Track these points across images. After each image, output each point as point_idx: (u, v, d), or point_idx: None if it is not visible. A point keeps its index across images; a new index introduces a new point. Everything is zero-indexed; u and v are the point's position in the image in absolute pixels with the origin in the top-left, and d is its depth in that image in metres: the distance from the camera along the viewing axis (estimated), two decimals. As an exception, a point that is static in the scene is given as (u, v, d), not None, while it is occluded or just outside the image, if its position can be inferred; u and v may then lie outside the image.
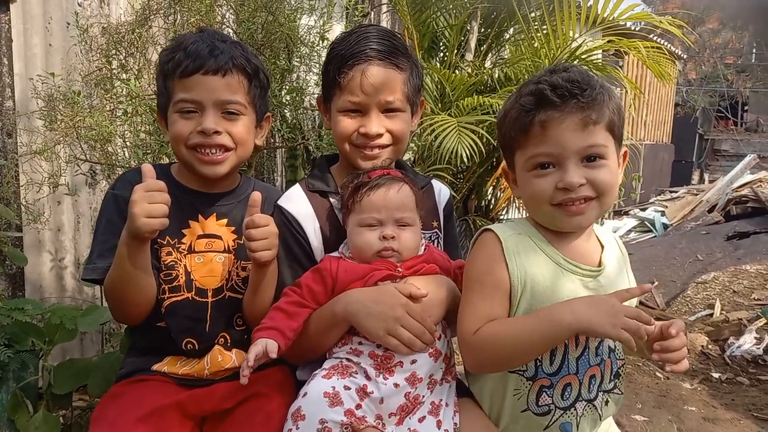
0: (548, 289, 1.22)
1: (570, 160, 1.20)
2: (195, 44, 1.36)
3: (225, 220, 1.47)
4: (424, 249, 1.41)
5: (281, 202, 1.48)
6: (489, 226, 1.29)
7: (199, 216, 1.45)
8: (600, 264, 1.30)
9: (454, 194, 3.57)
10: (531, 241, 1.26)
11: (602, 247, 1.33)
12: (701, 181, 13.88)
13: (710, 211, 7.42)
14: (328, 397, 1.19)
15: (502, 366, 1.24)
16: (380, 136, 1.43)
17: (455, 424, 1.28)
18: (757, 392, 3.35)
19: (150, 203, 1.20)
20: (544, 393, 1.26)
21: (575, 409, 1.27)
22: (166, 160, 2.42)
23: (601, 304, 1.13)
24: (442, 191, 1.65)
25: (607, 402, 1.32)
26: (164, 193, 1.23)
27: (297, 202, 1.47)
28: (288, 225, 1.43)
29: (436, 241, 1.56)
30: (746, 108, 18.58)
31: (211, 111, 1.36)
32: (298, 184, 1.53)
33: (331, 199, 1.48)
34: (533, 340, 1.16)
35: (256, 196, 1.31)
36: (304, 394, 1.22)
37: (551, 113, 1.19)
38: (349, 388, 1.21)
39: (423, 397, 1.24)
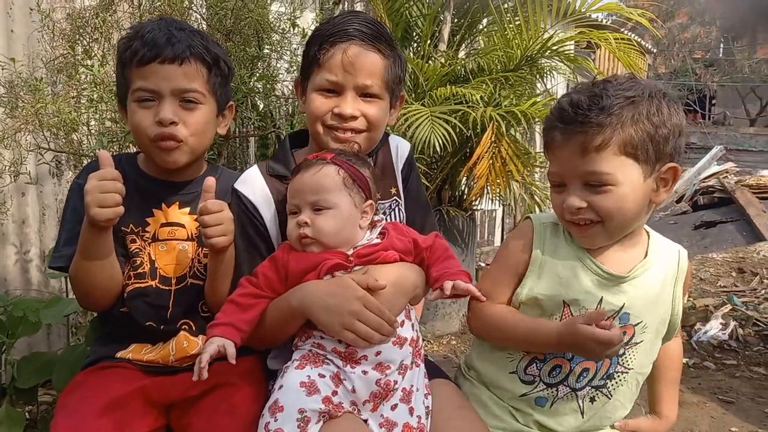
0: (566, 279, 1.28)
1: (572, 184, 1.23)
2: (152, 32, 1.35)
3: (188, 209, 1.46)
4: (381, 233, 1.34)
5: (237, 185, 1.42)
6: (530, 214, 1.37)
7: (162, 204, 1.45)
8: (629, 273, 1.28)
9: (428, 184, 3.58)
10: (564, 234, 1.32)
11: (645, 258, 1.31)
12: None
13: (678, 201, 7.57)
14: (305, 386, 1.17)
15: (497, 342, 1.37)
16: (354, 118, 1.37)
17: (427, 407, 1.28)
18: (722, 376, 3.44)
19: (102, 192, 1.19)
20: (534, 364, 1.31)
21: (556, 390, 1.30)
22: (132, 149, 2.37)
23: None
24: (400, 147, 1.56)
25: (592, 400, 1.31)
26: (117, 182, 1.21)
27: (253, 185, 1.42)
28: (245, 209, 1.39)
29: (396, 209, 1.50)
30: (714, 102, 19.01)
31: (169, 100, 1.34)
32: (256, 165, 1.48)
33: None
34: (522, 343, 1.31)
35: (210, 181, 1.29)
36: (280, 387, 1.20)
37: (556, 135, 1.23)
38: (323, 376, 1.20)
39: (395, 383, 1.23)
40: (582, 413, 1.32)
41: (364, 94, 1.39)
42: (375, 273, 1.26)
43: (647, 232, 1.36)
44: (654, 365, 1.38)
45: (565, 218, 1.26)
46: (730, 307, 4.23)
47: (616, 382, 1.32)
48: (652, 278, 1.30)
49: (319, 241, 1.28)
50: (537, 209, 3.90)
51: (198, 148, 1.42)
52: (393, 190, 1.52)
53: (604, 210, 1.21)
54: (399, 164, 1.55)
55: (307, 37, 1.49)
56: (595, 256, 1.29)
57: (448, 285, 1.23)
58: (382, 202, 1.48)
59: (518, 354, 1.33)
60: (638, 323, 1.28)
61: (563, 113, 1.22)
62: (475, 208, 4.09)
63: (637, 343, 1.30)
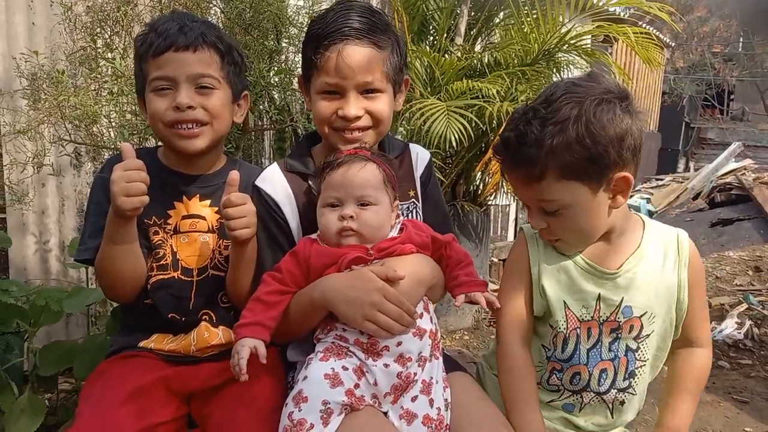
0: (564, 281, 1.31)
1: (531, 207, 1.29)
2: (165, 24, 1.39)
3: (208, 201, 1.48)
4: (400, 230, 1.37)
5: (259, 182, 1.45)
6: (523, 225, 1.42)
7: (183, 197, 1.47)
8: (620, 267, 1.29)
9: (443, 178, 3.57)
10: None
11: (637, 249, 1.31)
12: (687, 169, 14.00)
13: (695, 198, 7.49)
14: (329, 378, 1.19)
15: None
16: (359, 118, 1.37)
17: (446, 400, 1.30)
18: (737, 376, 3.41)
19: (128, 182, 1.22)
20: (555, 375, 1.34)
21: (581, 396, 1.33)
22: (152, 141, 2.40)
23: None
24: (420, 155, 1.58)
25: (622, 403, 1.32)
26: (142, 172, 1.24)
27: (274, 182, 1.44)
28: (266, 206, 1.41)
29: (414, 211, 1.52)
30: (732, 97, 18.75)
31: (185, 86, 1.37)
32: (276, 163, 1.50)
33: (309, 181, 1.45)
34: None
35: (234, 175, 1.32)
36: (305, 378, 1.22)
37: (503, 166, 1.29)
38: (347, 369, 1.22)
39: (415, 375, 1.25)
40: (611, 413, 1.33)
41: (366, 90, 1.38)
42: (392, 265, 1.28)
43: (642, 221, 1.35)
44: (673, 374, 1.39)
45: (537, 233, 1.34)
46: (746, 306, 4.19)
47: (638, 378, 1.33)
48: (650, 267, 1.29)
49: (361, 234, 1.30)
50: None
51: (218, 133, 1.44)
52: (411, 193, 1.54)
53: (561, 231, 1.27)
54: (419, 170, 1.57)
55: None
56: (586, 254, 1.31)
57: (479, 298, 1.31)
58: (401, 203, 1.49)
59: (544, 365, 1.35)
60: (643, 314, 1.29)
61: (498, 152, 1.27)
62: (489, 203, 4.08)
63: (648, 335, 1.31)
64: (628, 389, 1.32)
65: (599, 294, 1.29)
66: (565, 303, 1.30)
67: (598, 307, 1.29)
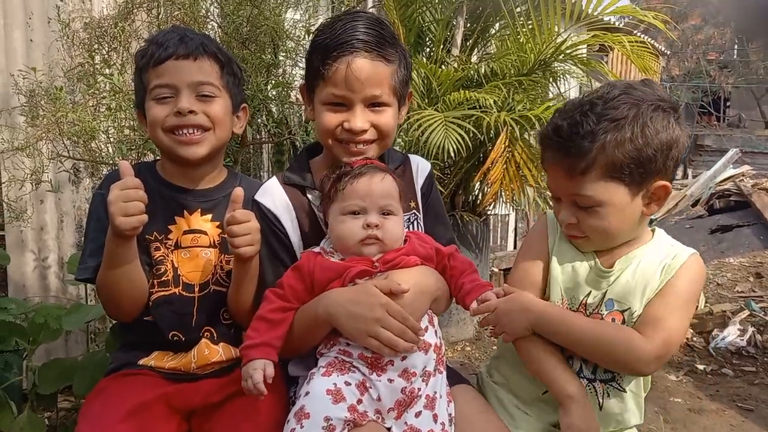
0: (567, 270, 1.33)
1: (564, 200, 1.28)
2: (165, 35, 1.41)
3: (210, 216, 1.47)
4: (404, 241, 1.37)
5: (258, 196, 1.43)
6: (547, 210, 1.45)
7: (185, 212, 1.46)
8: (612, 266, 1.30)
9: (442, 189, 3.57)
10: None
11: (632, 252, 1.31)
12: (684, 176, 14.01)
13: (694, 205, 7.50)
14: (331, 394, 1.18)
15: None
16: (365, 131, 1.36)
17: (450, 414, 1.28)
18: (741, 383, 3.40)
19: (125, 202, 1.21)
20: None
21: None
22: (150, 157, 2.40)
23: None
24: (420, 166, 1.56)
25: (608, 394, 1.31)
26: (139, 191, 1.23)
27: (274, 195, 1.43)
28: (266, 220, 1.40)
29: (414, 222, 1.51)
30: (728, 104, 18.82)
31: (186, 92, 1.37)
32: (275, 176, 1.49)
33: (308, 195, 1.44)
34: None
35: (239, 191, 1.30)
36: (307, 393, 1.20)
37: (547, 154, 1.27)
38: (349, 384, 1.20)
39: (419, 390, 1.23)
40: (600, 407, 1.31)
41: (373, 104, 1.37)
42: (396, 278, 1.26)
43: (653, 233, 1.36)
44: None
45: (562, 228, 1.33)
46: (748, 312, 4.17)
47: (623, 375, 1.31)
48: (641, 269, 1.29)
49: (384, 243, 1.30)
50: (551, 214, 3.88)
51: (220, 140, 1.44)
52: (412, 204, 1.53)
53: (589, 229, 1.27)
54: (419, 181, 1.55)
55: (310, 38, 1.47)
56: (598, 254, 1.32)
57: (490, 295, 1.29)
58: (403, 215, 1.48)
59: None
60: (625, 310, 1.28)
61: (548, 138, 1.25)
62: (488, 212, 4.08)
63: None
64: (612, 382, 1.31)
65: (590, 291, 1.31)
66: (561, 289, 1.33)
67: (584, 302, 1.31)
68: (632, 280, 1.28)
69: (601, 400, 1.31)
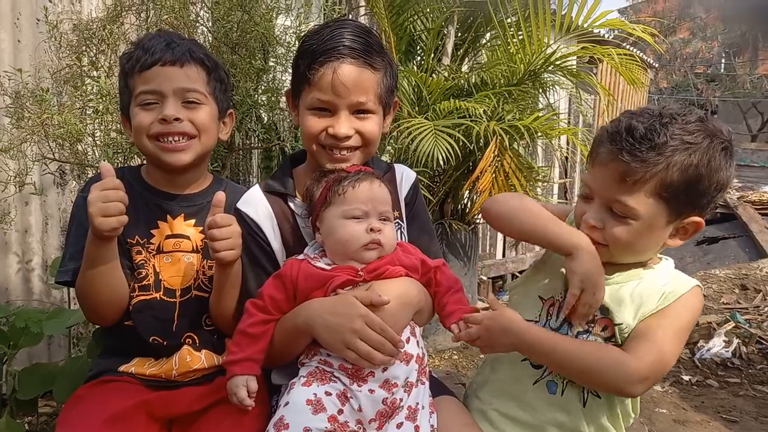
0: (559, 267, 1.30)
1: (598, 202, 1.23)
2: (152, 41, 1.40)
3: (193, 220, 1.46)
4: None
5: (240, 205, 1.42)
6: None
7: (167, 216, 1.45)
8: (610, 277, 1.28)
9: (431, 197, 3.57)
10: None
11: (635, 271, 1.29)
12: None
13: (681, 216, 7.56)
14: (311, 404, 1.16)
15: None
16: (349, 137, 1.36)
17: (432, 426, 1.27)
18: (725, 394, 3.41)
19: (104, 202, 1.20)
20: None
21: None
22: (137, 160, 2.37)
23: None
24: (405, 175, 1.55)
25: (594, 394, 1.29)
26: (119, 191, 1.22)
27: (255, 204, 1.42)
28: (248, 228, 1.38)
29: (398, 232, 1.49)
30: (715, 117, 19.00)
31: (172, 99, 1.36)
32: (257, 185, 1.49)
33: (289, 203, 1.43)
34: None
35: (220, 196, 1.30)
36: (286, 404, 1.19)
37: (602, 151, 1.22)
38: (330, 394, 1.19)
39: (401, 401, 1.22)
40: (584, 404, 1.29)
41: (358, 110, 1.37)
42: (378, 288, 1.25)
43: (660, 260, 1.33)
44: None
45: (581, 228, 1.27)
46: (734, 324, 4.20)
47: None
48: (641, 287, 1.27)
49: (384, 248, 1.30)
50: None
51: (205, 147, 1.43)
52: (396, 214, 1.51)
53: (613, 238, 1.22)
54: (403, 190, 1.54)
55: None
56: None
57: (473, 318, 1.26)
58: None
59: None
60: (619, 324, 1.25)
61: (616, 134, 1.19)
62: (477, 221, 4.08)
63: (618, 344, 1.26)
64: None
65: None
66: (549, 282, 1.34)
67: None
68: (628, 294, 1.26)
69: (585, 396, 1.29)
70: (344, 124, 1.35)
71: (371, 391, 1.20)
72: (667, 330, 1.21)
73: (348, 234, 1.28)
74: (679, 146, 1.15)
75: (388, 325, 1.21)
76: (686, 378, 3.62)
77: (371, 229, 1.28)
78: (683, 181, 1.16)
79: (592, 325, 1.28)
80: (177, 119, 1.35)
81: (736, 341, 3.95)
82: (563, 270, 1.27)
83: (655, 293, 1.25)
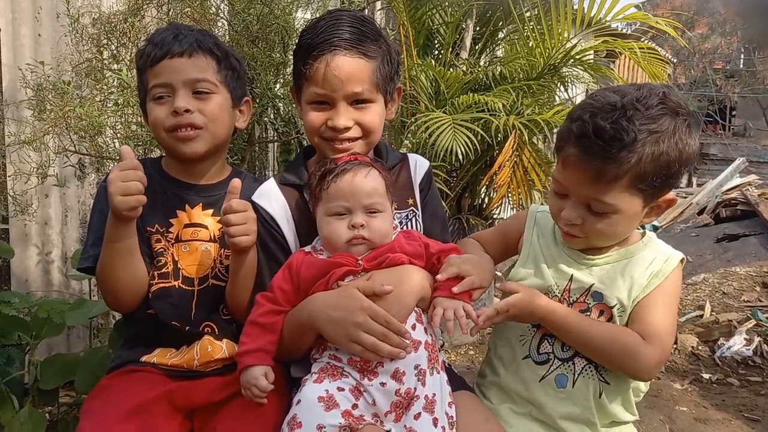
0: (551, 255, 1.35)
1: (574, 199, 1.24)
2: (161, 35, 1.42)
3: (211, 210, 1.48)
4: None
5: (255, 198, 1.42)
6: (532, 207, 1.47)
7: (186, 206, 1.47)
8: (599, 257, 1.31)
9: (448, 192, 3.56)
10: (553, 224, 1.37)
11: (624, 249, 1.31)
12: (689, 184, 13.97)
13: (700, 213, 7.45)
14: (323, 401, 1.16)
15: None
16: (348, 129, 1.37)
17: (451, 417, 1.25)
18: (747, 393, 3.36)
19: (124, 182, 1.22)
20: (546, 341, 1.32)
21: (573, 363, 1.29)
22: (157, 152, 2.39)
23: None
24: (418, 164, 1.56)
25: (607, 383, 1.28)
26: (138, 171, 1.24)
27: (270, 197, 1.43)
28: (263, 222, 1.39)
29: (413, 219, 1.50)
30: (734, 113, 18.77)
31: (182, 91, 1.38)
32: (272, 177, 1.51)
33: (305, 194, 1.44)
34: None
35: (236, 183, 1.31)
36: (298, 402, 1.19)
37: (571, 151, 1.20)
38: (342, 389, 1.18)
39: (415, 390, 1.21)
40: (600, 393, 1.28)
41: (356, 101, 1.37)
42: (380, 278, 1.25)
43: (642, 234, 1.35)
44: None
45: (558, 224, 1.31)
46: (754, 322, 4.14)
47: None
48: (633, 266, 1.28)
49: (372, 242, 1.28)
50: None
51: (216, 137, 1.44)
52: (410, 201, 1.52)
53: (593, 231, 1.25)
54: (417, 178, 1.54)
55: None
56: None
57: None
58: (399, 211, 1.47)
59: (529, 333, 1.34)
60: (615, 305, 1.27)
61: (583, 137, 1.17)
62: (494, 216, 4.06)
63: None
64: (601, 370, 1.29)
65: (572, 275, 1.30)
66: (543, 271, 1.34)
67: (568, 287, 1.30)
68: (619, 273, 1.28)
69: (600, 387, 1.28)
70: (342, 116, 1.36)
71: (383, 384, 1.19)
72: (664, 314, 1.26)
73: (329, 232, 1.29)
74: (648, 138, 1.14)
75: (391, 314, 1.21)
76: (706, 376, 3.57)
77: (352, 226, 1.27)
78: (656, 169, 1.16)
79: (588, 313, 1.28)
80: (187, 111, 1.37)
81: (757, 339, 3.89)
82: (562, 266, 1.32)
83: (644, 270, 1.28)
